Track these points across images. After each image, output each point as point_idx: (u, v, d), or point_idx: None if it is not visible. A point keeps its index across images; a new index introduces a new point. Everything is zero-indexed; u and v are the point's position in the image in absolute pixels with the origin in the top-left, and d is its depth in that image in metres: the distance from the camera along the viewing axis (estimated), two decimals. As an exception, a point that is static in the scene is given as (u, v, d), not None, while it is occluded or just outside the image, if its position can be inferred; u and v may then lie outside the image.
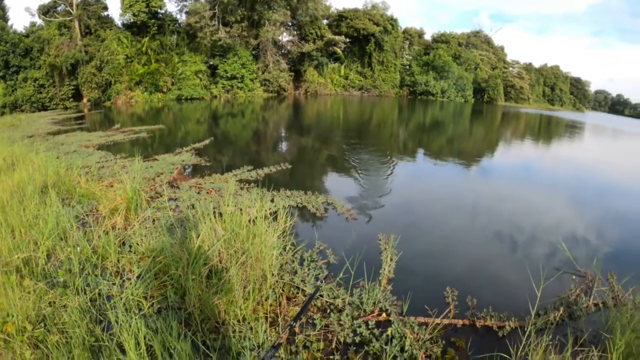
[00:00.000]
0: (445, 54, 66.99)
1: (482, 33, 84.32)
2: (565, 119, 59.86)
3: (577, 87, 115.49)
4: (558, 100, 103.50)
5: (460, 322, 4.69)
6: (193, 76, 41.93)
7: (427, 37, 74.89)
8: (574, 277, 6.05)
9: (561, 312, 4.90)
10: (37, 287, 3.95)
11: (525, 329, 4.22)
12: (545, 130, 39.13)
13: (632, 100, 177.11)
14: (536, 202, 10.96)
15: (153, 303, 3.99)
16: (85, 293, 4.00)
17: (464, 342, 4.34)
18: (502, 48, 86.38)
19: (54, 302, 3.84)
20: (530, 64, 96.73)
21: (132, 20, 40.86)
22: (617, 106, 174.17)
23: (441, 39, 72.19)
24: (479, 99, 72.12)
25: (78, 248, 4.82)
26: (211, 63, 44.98)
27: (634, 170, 18.57)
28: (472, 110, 51.45)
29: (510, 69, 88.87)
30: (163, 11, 43.10)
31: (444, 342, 4.25)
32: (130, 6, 40.00)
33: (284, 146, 17.94)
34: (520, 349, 3.83)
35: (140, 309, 3.92)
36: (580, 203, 11.51)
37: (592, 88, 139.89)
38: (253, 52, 47.71)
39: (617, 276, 6.49)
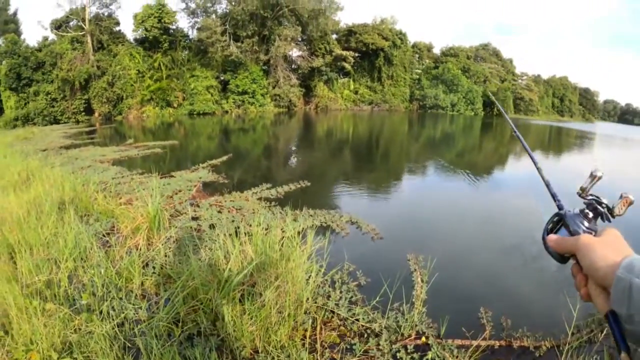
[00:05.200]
0: (454, 67, 67.17)
1: (490, 46, 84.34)
2: (575, 130, 59.73)
3: (586, 98, 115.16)
4: (567, 111, 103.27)
5: (498, 343, 4.55)
6: (204, 91, 42.05)
7: (436, 50, 75.29)
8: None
9: (596, 330, 4.74)
10: (61, 312, 3.75)
11: (561, 348, 4.15)
12: (556, 141, 39.06)
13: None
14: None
15: (184, 329, 3.78)
16: (111, 318, 3.79)
17: (504, 363, 4.20)
18: (510, 60, 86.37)
19: (79, 329, 3.64)
20: (538, 75, 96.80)
21: (144, 35, 41.26)
22: (627, 115, 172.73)
23: (450, 53, 72.44)
24: (489, 112, 71.99)
25: (101, 269, 4.63)
26: (222, 78, 45.19)
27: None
28: (482, 124, 51.32)
29: (519, 81, 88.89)
30: (175, 27, 43.58)
31: (483, 364, 4.12)
32: (143, 22, 40.38)
33: (299, 163, 17.85)
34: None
35: (170, 335, 3.72)
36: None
37: (601, 98, 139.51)
38: (263, 67, 47.90)
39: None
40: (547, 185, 1.28)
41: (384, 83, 61.06)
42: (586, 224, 1.02)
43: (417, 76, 68.85)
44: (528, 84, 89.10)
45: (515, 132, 1.71)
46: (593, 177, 1.08)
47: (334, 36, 56.17)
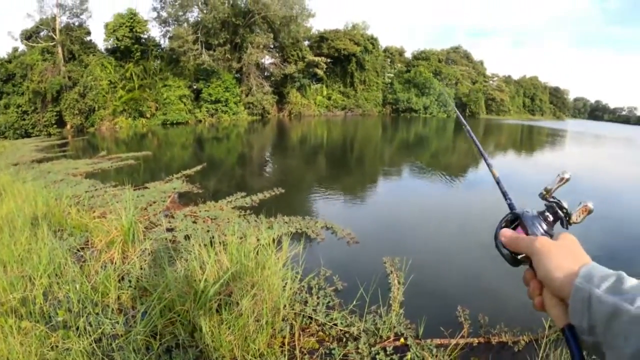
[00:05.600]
0: (425, 70, 67.78)
1: (461, 48, 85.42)
2: (546, 128, 60.82)
3: (556, 96, 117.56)
4: (538, 110, 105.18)
5: (476, 340, 4.68)
6: (177, 101, 41.71)
7: (408, 54, 75.78)
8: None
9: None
10: (37, 330, 3.72)
11: (539, 342, 4.24)
12: (527, 140, 39.73)
13: (610, 105, 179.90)
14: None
15: (162, 342, 3.78)
16: (88, 334, 3.76)
17: (484, 360, 4.32)
18: (481, 62, 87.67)
19: (57, 346, 3.61)
20: (509, 76, 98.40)
21: (115, 45, 40.66)
22: (597, 112, 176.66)
23: (421, 56, 73.05)
24: (462, 114, 72.45)
25: (77, 285, 4.60)
26: (195, 87, 44.85)
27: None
28: (455, 125, 51.91)
29: (490, 82, 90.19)
30: (146, 36, 43.14)
31: (463, 362, 4.23)
32: (114, 31, 39.88)
33: (274, 170, 17.88)
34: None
35: (148, 349, 3.72)
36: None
37: (571, 96, 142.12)
38: (236, 76, 47.75)
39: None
40: (498, 182, 1.23)
41: (356, 88, 61.32)
42: (545, 227, 0.97)
43: (390, 80, 69.33)
44: (499, 84, 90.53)
45: (465, 125, 1.69)
46: (561, 179, 1.00)
47: (306, 42, 56.25)
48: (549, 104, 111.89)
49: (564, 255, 0.84)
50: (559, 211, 0.98)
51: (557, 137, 45.80)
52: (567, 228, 0.98)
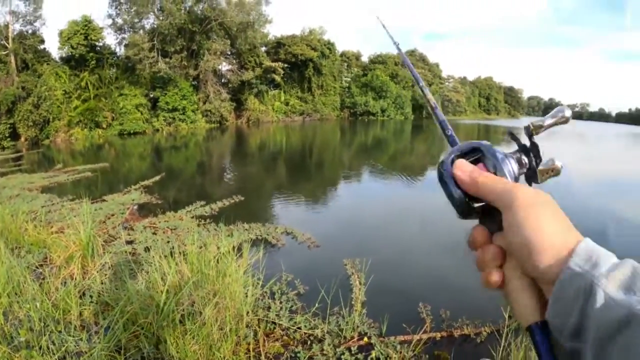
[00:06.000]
0: (382, 74, 68.50)
1: (417, 52, 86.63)
2: (502, 127, 62.33)
3: (511, 96, 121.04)
4: (494, 109, 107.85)
5: (439, 334, 4.85)
6: (134, 110, 40.87)
7: (364, 58, 76.34)
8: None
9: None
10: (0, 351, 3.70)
11: (501, 331, 4.36)
12: (484, 139, 40.61)
13: (563, 102, 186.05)
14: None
15: (127, 356, 3.79)
16: (51, 352, 3.75)
17: (447, 353, 4.49)
18: (437, 65, 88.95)
19: (20, 366, 3.60)
20: (464, 77, 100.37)
21: (70, 53, 39.37)
22: (550, 109, 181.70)
23: (378, 60, 73.77)
24: (419, 115, 74.04)
25: (37, 303, 4.56)
26: (152, 96, 44.10)
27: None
28: (412, 127, 52.68)
29: (446, 83, 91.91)
30: (102, 44, 42.04)
31: (427, 356, 4.40)
32: (68, 39, 38.74)
33: (233, 178, 17.84)
34: (501, 351, 3.97)
35: (113, 364, 3.74)
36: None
37: (525, 95, 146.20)
38: (193, 83, 47.19)
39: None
40: (434, 109, 0.96)
41: (314, 93, 61.40)
42: (517, 171, 0.71)
43: (347, 84, 69.83)
44: (455, 86, 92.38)
45: (422, 87, 1.33)
46: (561, 117, 0.76)
47: (263, 48, 56.01)
48: (504, 103, 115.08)
49: (551, 218, 0.58)
50: (534, 160, 0.74)
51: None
52: (530, 185, 0.74)
